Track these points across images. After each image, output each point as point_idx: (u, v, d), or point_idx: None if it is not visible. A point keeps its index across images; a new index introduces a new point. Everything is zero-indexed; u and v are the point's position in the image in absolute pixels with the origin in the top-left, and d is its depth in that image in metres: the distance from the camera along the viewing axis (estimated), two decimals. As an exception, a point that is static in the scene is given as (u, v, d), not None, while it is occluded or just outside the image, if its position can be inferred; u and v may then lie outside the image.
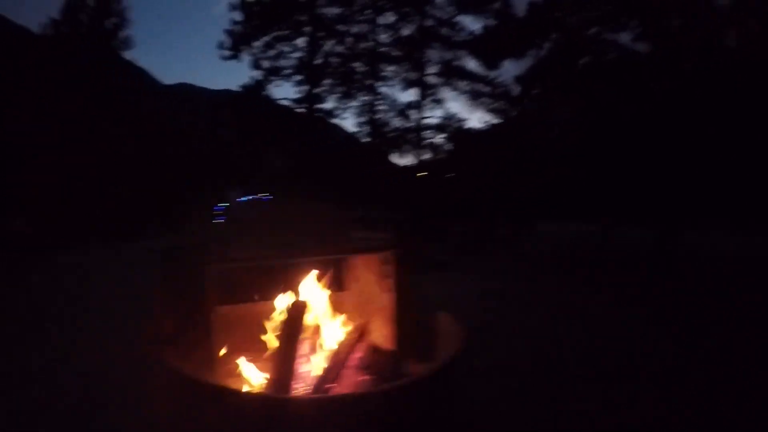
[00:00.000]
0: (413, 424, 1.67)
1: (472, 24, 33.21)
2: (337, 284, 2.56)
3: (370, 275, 2.29)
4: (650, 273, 8.19)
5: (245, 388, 2.00)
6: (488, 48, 18.87)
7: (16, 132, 15.13)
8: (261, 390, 1.86)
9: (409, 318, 2.18)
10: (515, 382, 3.06)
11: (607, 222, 10.35)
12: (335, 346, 2.14)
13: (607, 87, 12.51)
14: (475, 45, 20.60)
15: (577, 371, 3.28)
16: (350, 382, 2.16)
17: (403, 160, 24.76)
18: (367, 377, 2.21)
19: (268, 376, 1.88)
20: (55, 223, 12.77)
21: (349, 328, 2.18)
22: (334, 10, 22.74)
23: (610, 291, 6.47)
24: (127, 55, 24.57)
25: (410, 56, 22.20)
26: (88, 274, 9.09)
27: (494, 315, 4.88)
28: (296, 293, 2.17)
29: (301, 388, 1.96)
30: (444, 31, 22.24)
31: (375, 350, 2.28)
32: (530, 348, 3.83)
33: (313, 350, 2.19)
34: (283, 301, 2.15)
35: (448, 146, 22.69)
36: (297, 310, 1.95)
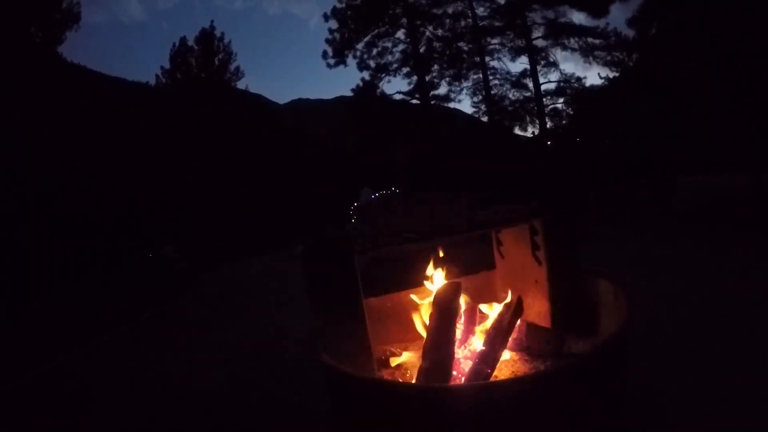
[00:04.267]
0: (583, 406, 1.51)
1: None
2: (486, 263, 2.44)
3: (519, 249, 2.14)
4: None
5: (402, 380, 1.97)
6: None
7: (156, 174, 17.29)
8: (419, 380, 1.81)
9: (566, 290, 1.99)
10: (676, 360, 2.71)
11: (759, 167, 8.77)
12: (490, 328, 2.03)
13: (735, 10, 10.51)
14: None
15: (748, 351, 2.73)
16: (509, 366, 2.04)
17: (526, 132, 23.77)
18: (526, 358, 2.08)
19: (424, 365, 1.82)
20: (198, 247, 14.64)
21: (502, 308, 2.06)
22: (425, -5, 22.42)
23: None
24: (241, 84, 26.67)
25: (513, 23, 21.16)
26: (238, 284, 10.06)
27: (647, 283, 4.35)
28: (446, 275, 2.09)
29: (458, 375, 1.88)
30: (541, -12, 20.87)
31: (532, 329, 2.13)
32: (693, 320, 3.33)
33: (466, 334, 2.10)
34: (433, 286, 2.09)
35: (571, 109, 21.30)
36: (451, 292, 1.87)
